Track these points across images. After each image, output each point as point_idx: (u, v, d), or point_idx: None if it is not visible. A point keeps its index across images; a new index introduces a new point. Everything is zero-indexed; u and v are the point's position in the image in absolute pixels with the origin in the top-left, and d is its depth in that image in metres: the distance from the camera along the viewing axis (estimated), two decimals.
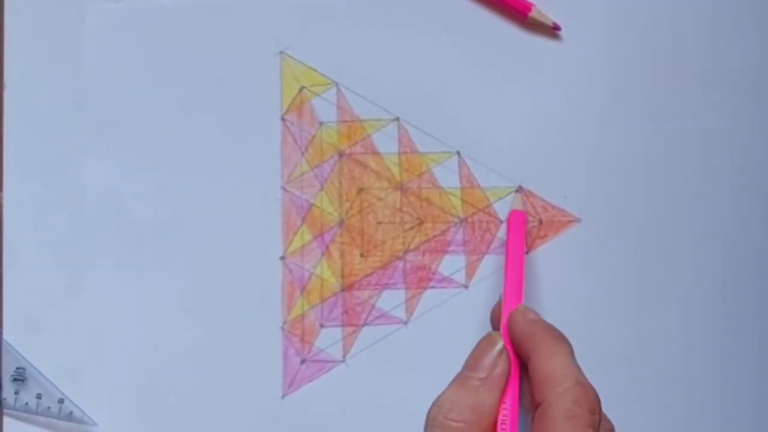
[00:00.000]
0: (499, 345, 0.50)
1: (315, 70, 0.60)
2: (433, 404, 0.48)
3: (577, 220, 0.59)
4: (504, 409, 0.49)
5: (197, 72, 0.60)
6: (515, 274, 0.53)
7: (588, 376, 0.55)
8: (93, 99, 0.60)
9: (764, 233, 0.59)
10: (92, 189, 0.59)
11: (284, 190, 0.59)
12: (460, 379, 0.49)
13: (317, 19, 0.60)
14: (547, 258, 0.59)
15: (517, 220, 0.56)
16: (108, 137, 0.59)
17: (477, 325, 0.58)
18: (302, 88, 0.60)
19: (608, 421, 0.51)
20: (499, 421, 0.48)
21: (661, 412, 0.58)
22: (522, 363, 0.50)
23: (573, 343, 0.56)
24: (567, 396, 0.46)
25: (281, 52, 0.60)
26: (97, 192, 0.59)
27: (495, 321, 0.55)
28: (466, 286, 0.59)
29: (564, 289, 0.59)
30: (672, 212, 0.59)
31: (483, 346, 0.51)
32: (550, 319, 0.56)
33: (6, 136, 0.59)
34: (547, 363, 0.48)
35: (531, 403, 0.48)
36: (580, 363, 0.56)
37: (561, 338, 0.50)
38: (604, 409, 0.55)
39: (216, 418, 0.58)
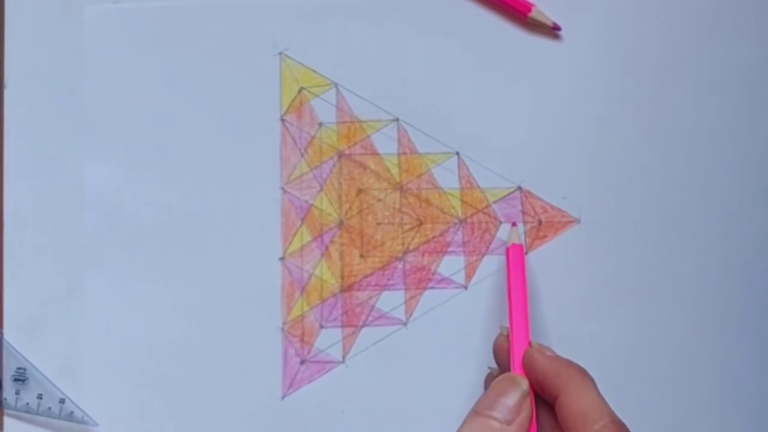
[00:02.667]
0: (524, 386, 0.49)
1: (314, 71, 0.61)
2: None
3: (576, 221, 0.60)
4: None
5: (197, 73, 0.61)
6: (521, 310, 0.53)
7: None
8: (92, 100, 0.61)
9: (764, 234, 0.60)
10: (92, 190, 0.60)
11: (284, 190, 0.60)
12: (482, 421, 0.48)
13: (316, 20, 0.61)
14: (547, 259, 0.60)
15: (516, 254, 0.56)
16: (107, 138, 0.61)
17: (476, 326, 0.59)
18: (302, 88, 0.61)
19: None
20: None
21: (659, 413, 0.59)
22: (545, 401, 0.50)
23: (572, 343, 0.58)
24: None
25: (281, 53, 0.61)
26: (97, 192, 0.60)
27: (499, 357, 0.54)
28: (465, 287, 0.60)
29: (563, 289, 0.60)
30: (671, 213, 0.60)
31: (505, 386, 0.50)
32: (550, 320, 0.58)
33: (6, 136, 0.61)
34: (579, 401, 0.48)
35: None
36: (575, 362, 0.57)
37: (586, 373, 0.50)
38: None
39: (216, 419, 0.59)
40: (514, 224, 0.59)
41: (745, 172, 0.61)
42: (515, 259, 0.55)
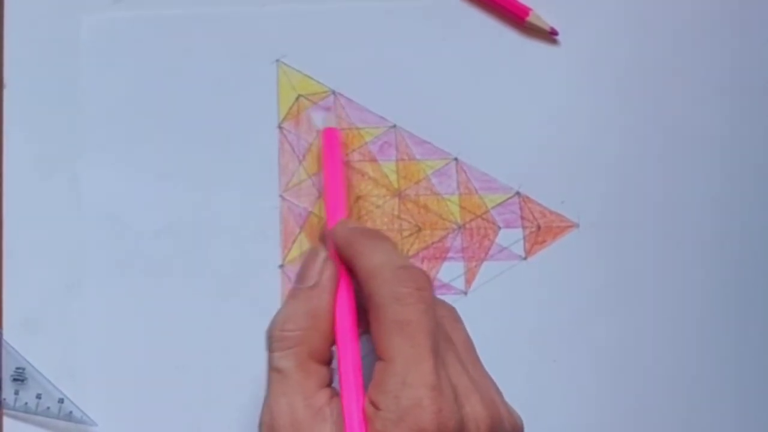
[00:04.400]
0: (323, 253, 0.51)
1: (312, 78, 0.63)
2: (269, 324, 0.50)
3: (574, 225, 0.62)
4: (340, 310, 0.50)
5: (194, 81, 0.63)
6: (335, 191, 0.56)
7: (585, 380, 0.59)
8: (91, 104, 0.63)
9: (765, 237, 0.62)
10: (90, 194, 0.62)
11: (282, 198, 0.62)
12: (291, 292, 0.51)
13: (314, 27, 0.63)
14: (546, 263, 0.62)
15: (330, 137, 0.59)
16: (106, 145, 0.63)
17: (476, 332, 0.58)
18: (299, 96, 0.63)
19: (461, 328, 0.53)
20: (337, 322, 0.50)
21: (657, 416, 0.61)
22: (352, 272, 0.51)
23: (571, 347, 0.59)
24: (390, 280, 0.47)
25: (278, 61, 0.63)
26: (95, 197, 0.62)
27: (323, 240, 0.56)
28: (465, 293, 0.61)
29: (563, 294, 0.61)
30: (670, 216, 0.62)
31: (307, 258, 0.52)
32: (549, 325, 0.60)
33: (6, 136, 0.63)
34: (369, 259, 0.49)
35: (365, 302, 0.50)
36: (576, 366, 0.59)
37: (381, 237, 0.52)
38: (602, 410, 0.59)
39: (216, 424, 0.60)
40: (328, 109, 0.62)
41: (743, 175, 0.62)
42: (329, 142, 0.59)
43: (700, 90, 0.63)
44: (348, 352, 0.49)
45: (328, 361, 0.50)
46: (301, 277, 0.51)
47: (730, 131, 0.63)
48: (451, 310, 0.53)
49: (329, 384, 0.49)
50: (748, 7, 0.64)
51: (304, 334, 0.49)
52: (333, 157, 0.58)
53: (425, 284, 0.48)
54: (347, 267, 0.51)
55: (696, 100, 0.63)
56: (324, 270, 0.51)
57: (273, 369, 0.49)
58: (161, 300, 0.61)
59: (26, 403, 0.59)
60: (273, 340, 0.49)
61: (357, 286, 0.51)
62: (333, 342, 0.50)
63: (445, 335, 0.49)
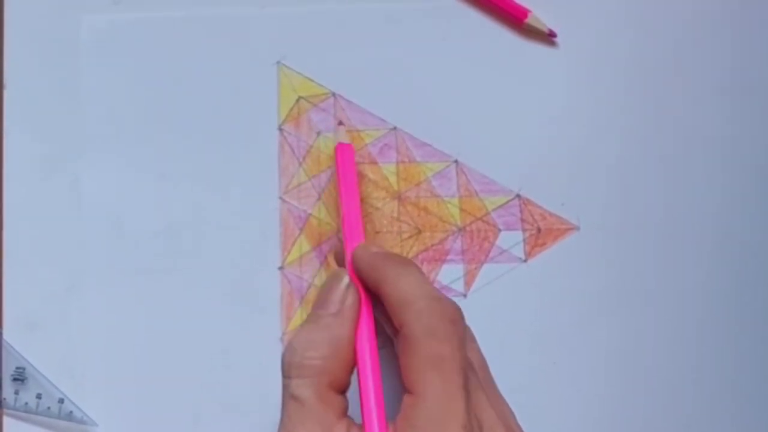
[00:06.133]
0: (346, 279, 0.51)
1: (312, 80, 0.64)
2: (286, 349, 0.49)
3: (575, 228, 0.63)
4: (361, 339, 0.50)
5: (194, 82, 0.64)
6: (352, 212, 0.55)
7: (585, 382, 0.60)
8: (91, 106, 0.64)
9: (765, 238, 0.63)
10: (90, 194, 0.63)
11: (282, 200, 0.63)
12: (311, 318, 0.50)
13: (314, 29, 0.64)
14: (546, 266, 0.63)
15: (344, 153, 0.58)
16: (106, 146, 0.64)
17: (476, 334, 0.59)
18: (299, 98, 0.64)
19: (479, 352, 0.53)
20: (358, 352, 0.49)
21: (658, 418, 0.61)
22: (376, 296, 0.51)
23: (571, 350, 0.60)
24: (424, 313, 0.47)
25: (278, 62, 0.64)
26: (95, 197, 0.63)
27: (339, 262, 0.56)
28: (464, 295, 0.62)
29: (562, 297, 0.62)
30: (670, 218, 0.63)
31: (329, 283, 0.51)
32: (549, 327, 0.61)
33: (6, 136, 0.64)
34: (398, 286, 0.49)
35: (393, 330, 0.50)
36: (576, 369, 0.59)
37: (407, 262, 0.51)
38: (602, 413, 0.59)
39: (216, 424, 0.61)
40: (341, 123, 0.63)
41: (744, 175, 0.63)
42: (344, 159, 0.58)
43: (700, 90, 0.64)
44: (371, 384, 0.49)
45: (345, 390, 0.50)
46: (322, 302, 0.51)
47: (730, 131, 0.64)
48: (467, 330, 0.53)
49: (346, 413, 0.49)
50: (748, 7, 0.65)
51: (325, 363, 0.48)
52: (348, 175, 0.57)
53: (458, 317, 0.49)
54: (370, 291, 0.51)
55: (696, 100, 0.64)
56: (347, 296, 0.51)
57: (291, 396, 0.48)
58: (161, 300, 0.62)
59: (26, 403, 0.60)
60: (292, 367, 0.49)
61: (379, 309, 0.51)
62: (352, 370, 0.49)
63: (468, 361, 0.49)
